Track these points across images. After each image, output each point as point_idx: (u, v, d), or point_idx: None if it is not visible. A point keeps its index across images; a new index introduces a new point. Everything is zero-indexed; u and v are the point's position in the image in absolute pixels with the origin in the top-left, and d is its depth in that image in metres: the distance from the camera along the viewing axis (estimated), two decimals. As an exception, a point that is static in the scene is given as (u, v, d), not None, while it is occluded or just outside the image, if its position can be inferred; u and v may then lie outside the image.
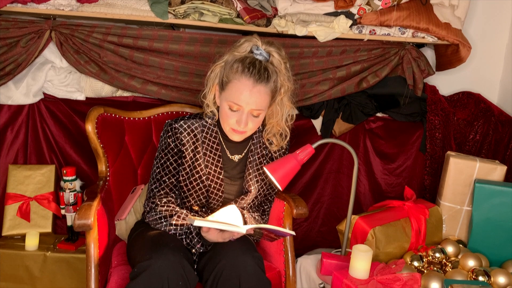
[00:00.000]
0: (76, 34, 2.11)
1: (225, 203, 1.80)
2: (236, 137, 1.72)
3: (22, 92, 2.20)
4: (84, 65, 2.15)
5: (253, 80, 1.62)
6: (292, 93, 1.77)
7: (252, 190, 1.82)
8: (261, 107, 1.65)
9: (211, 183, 1.77)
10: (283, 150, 1.88)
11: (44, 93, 2.26)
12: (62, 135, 2.29)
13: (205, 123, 1.77)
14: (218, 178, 1.78)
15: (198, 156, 1.76)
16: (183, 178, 1.77)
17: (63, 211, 2.20)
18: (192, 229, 1.65)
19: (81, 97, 2.26)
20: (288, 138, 1.84)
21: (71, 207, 2.17)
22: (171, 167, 1.75)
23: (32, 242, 2.14)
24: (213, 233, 1.60)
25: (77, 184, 2.20)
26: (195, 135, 1.75)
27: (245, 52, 1.68)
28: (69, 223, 2.20)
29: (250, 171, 1.82)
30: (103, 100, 2.27)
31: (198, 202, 1.79)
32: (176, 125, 1.74)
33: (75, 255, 2.13)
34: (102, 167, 1.92)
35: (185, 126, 1.74)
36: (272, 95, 1.69)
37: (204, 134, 1.76)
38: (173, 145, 1.74)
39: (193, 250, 1.64)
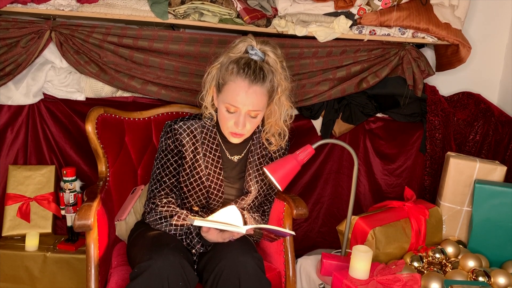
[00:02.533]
0: (76, 35, 2.11)
1: (225, 203, 1.80)
2: (235, 140, 1.73)
3: (22, 92, 2.20)
4: (84, 66, 2.15)
5: (248, 81, 1.61)
6: (290, 92, 1.77)
7: (252, 191, 1.82)
8: (258, 107, 1.65)
9: (211, 184, 1.77)
10: (283, 151, 1.88)
11: (44, 94, 2.26)
12: (62, 136, 2.29)
13: (204, 124, 1.77)
14: (218, 179, 1.78)
15: (198, 157, 1.76)
16: (183, 179, 1.77)
17: (63, 212, 2.20)
18: (192, 229, 1.65)
19: (81, 97, 2.26)
20: (287, 137, 1.84)
21: (71, 207, 2.17)
22: (171, 168, 1.76)
23: (32, 243, 2.14)
24: (213, 233, 1.60)
25: (77, 184, 2.20)
26: (194, 136, 1.75)
27: (240, 53, 1.68)
28: (69, 223, 2.20)
29: (250, 171, 1.82)
30: (103, 100, 2.27)
31: (198, 203, 1.79)
32: (176, 126, 1.74)
33: (75, 256, 2.13)
34: (102, 167, 1.92)
35: (184, 127, 1.74)
36: (269, 95, 1.69)
37: (203, 135, 1.77)
38: (173, 146, 1.74)
39: (193, 251, 1.64)
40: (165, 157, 1.76)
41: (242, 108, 1.63)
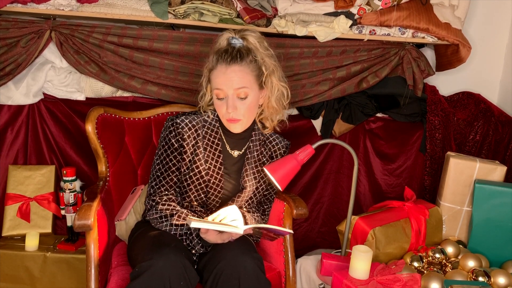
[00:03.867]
0: (76, 34, 2.11)
1: (223, 199, 1.80)
2: (233, 127, 1.74)
3: (22, 92, 2.20)
4: (84, 65, 2.15)
5: (225, 64, 1.68)
6: (282, 74, 1.81)
7: (248, 187, 1.82)
8: (241, 84, 1.68)
9: (211, 178, 1.77)
10: (284, 149, 1.89)
11: (44, 93, 2.26)
12: (62, 136, 2.29)
13: (206, 118, 1.79)
14: (218, 173, 1.78)
15: (198, 151, 1.76)
16: (184, 173, 1.77)
17: (63, 212, 2.19)
18: (192, 230, 1.65)
19: (81, 97, 2.26)
20: (279, 116, 1.85)
21: (71, 207, 2.17)
22: (170, 164, 1.76)
23: (32, 243, 2.14)
24: (211, 234, 1.60)
25: (77, 184, 2.20)
26: (196, 131, 1.76)
27: (224, 46, 1.74)
28: (69, 223, 2.20)
29: (247, 167, 1.82)
30: (103, 100, 2.27)
31: (197, 198, 1.79)
32: (178, 120, 1.75)
33: (75, 256, 2.13)
34: (102, 167, 1.92)
35: (186, 121, 1.75)
36: (256, 74, 1.72)
37: (205, 129, 1.78)
38: (173, 140, 1.74)
39: (193, 251, 1.64)
40: (165, 152, 1.76)
41: (226, 90, 1.68)
